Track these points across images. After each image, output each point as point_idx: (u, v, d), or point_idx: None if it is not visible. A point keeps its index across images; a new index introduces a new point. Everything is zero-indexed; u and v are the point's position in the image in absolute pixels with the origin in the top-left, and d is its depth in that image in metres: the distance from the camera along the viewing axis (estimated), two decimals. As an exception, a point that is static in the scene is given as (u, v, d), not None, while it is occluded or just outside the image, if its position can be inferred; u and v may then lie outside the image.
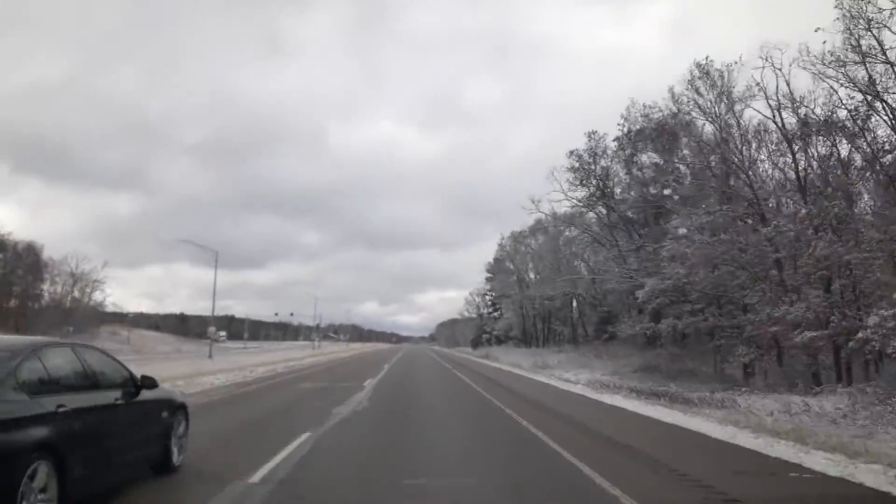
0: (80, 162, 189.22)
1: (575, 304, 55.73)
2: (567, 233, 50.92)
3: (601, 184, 40.01)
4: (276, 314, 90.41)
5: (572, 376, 27.20)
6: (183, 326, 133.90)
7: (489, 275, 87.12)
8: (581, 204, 41.96)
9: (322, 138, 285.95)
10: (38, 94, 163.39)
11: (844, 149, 19.95)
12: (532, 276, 66.92)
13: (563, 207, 44.15)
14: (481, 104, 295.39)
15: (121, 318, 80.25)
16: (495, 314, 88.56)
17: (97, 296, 63.11)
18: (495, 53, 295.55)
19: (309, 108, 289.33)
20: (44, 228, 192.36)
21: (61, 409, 4.68)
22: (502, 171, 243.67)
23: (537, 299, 59.86)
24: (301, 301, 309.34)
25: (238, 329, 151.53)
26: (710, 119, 25.10)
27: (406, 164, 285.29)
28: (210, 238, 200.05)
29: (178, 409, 7.15)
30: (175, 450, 6.81)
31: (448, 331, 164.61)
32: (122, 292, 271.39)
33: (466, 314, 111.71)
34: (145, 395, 6.24)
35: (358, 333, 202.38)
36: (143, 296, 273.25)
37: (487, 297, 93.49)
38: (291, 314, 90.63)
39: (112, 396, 5.66)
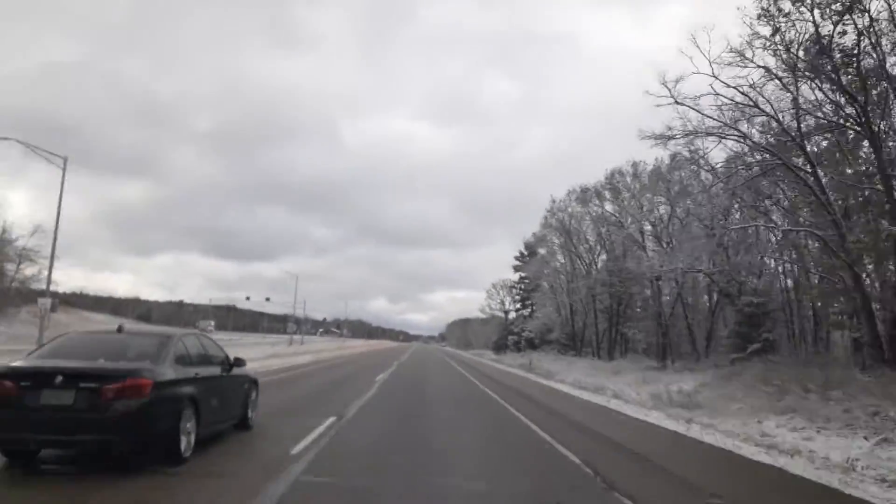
0: (91, 147, 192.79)
1: (707, 297, 34.30)
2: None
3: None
4: (268, 299, 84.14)
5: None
6: (179, 313, 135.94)
7: (519, 262, 71.68)
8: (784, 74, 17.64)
9: (335, 131, 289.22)
10: (49, 78, 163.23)
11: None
12: (594, 256, 46.98)
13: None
14: (495, 102, 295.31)
15: (75, 299, 76.48)
16: (525, 311, 72.67)
17: (30, 270, 48.91)
18: (510, 51, 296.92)
19: (322, 101, 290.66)
20: (54, 213, 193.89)
21: (197, 376, 7.29)
22: (515, 172, 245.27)
23: (599, 288, 42.48)
24: (311, 295, 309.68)
25: (239, 321, 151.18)
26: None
27: (419, 161, 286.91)
28: (220, 227, 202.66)
29: (253, 382, 9.78)
30: (250, 412, 9.42)
31: (460, 330, 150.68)
32: (135, 279, 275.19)
33: (488, 311, 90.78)
34: (235, 370, 8.83)
35: (366, 329, 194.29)
36: (155, 285, 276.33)
37: (516, 291, 76.68)
38: (267, 299, 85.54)
39: (218, 370, 8.23)
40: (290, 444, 8.03)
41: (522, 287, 73.21)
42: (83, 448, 6.26)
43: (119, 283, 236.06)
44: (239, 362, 8.97)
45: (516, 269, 74.27)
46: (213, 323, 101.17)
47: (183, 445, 6.63)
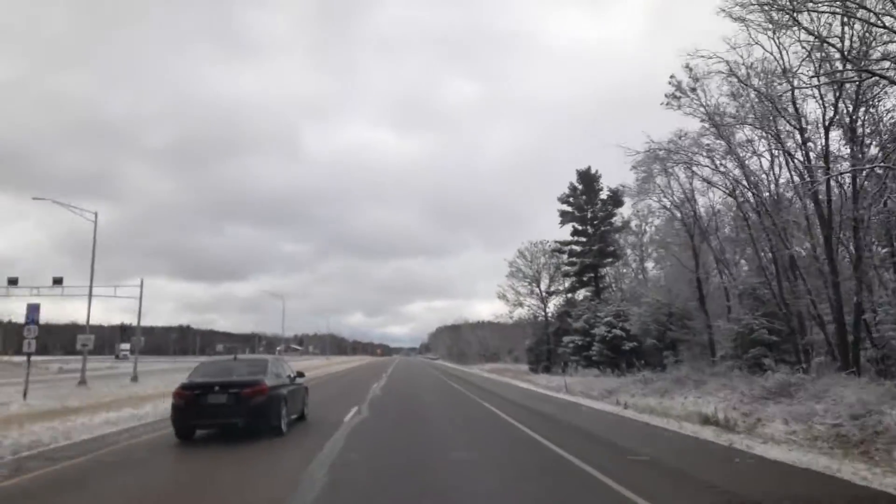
0: (42, 171, 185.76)
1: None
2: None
3: None
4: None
5: None
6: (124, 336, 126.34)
7: (571, 203, 43.98)
8: None
9: (296, 142, 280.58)
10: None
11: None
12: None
13: None
14: (457, 104, 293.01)
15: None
16: (579, 294, 44.95)
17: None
18: (468, 51, 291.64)
19: (279, 110, 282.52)
20: (12, 242, 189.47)
21: (284, 383, 11.86)
22: (483, 174, 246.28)
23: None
24: (287, 313, 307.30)
25: (192, 342, 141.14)
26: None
27: (384, 169, 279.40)
28: (187, 250, 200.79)
29: (306, 389, 14.32)
30: (306, 410, 13.93)
31: (450, 338, 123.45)
32: (105, 306, 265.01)
33: (511, 297, 54.74)
34: (298, 380, 13.39)
35: (338, 344, 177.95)
36: (125, 311, 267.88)
37: (565, 261, 46.50)
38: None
39: (289, 379, 12.80)
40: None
41: (587, 251, 42.61)
42: (233, 428, 10.75)
43: (86, 312, 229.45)
44: (301, 375, 13.58)
45: (568, 217, 44.27)
46: (127, 346, 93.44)
47: (283, 425, 11.20)
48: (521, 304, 53.76)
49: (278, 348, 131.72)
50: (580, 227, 44.88)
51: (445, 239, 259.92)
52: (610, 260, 42.27)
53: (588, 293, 43.80)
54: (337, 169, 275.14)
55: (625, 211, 39.73)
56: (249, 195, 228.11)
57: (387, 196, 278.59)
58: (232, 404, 10.43)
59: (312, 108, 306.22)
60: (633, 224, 36.83)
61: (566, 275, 47.58)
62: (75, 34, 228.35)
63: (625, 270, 41.57)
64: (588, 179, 44.79)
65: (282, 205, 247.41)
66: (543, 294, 51.86)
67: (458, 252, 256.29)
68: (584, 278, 44.73)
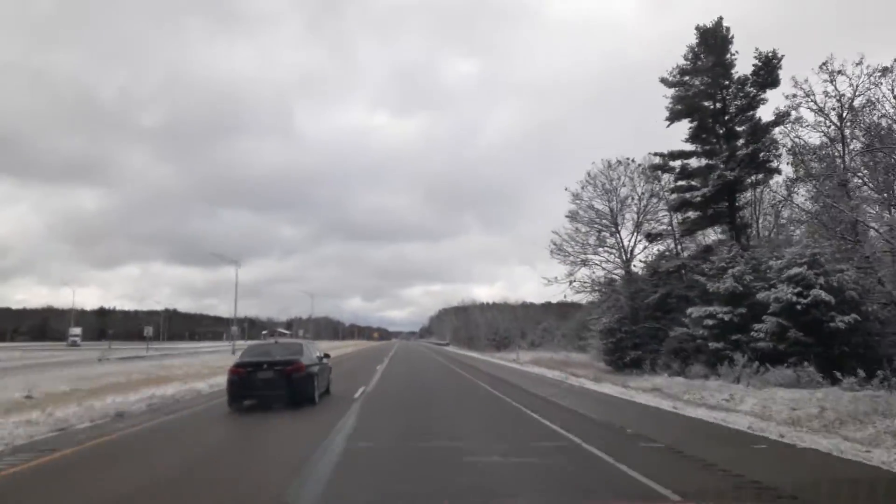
0: (34, 155, 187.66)
1: None
2: None
3: None
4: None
5: None
6: (101, 321, 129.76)
7: (680, 90, 26.76)
8: None
9: (290, 124, 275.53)
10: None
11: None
12: None
13: None
14: (455, 83, 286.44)
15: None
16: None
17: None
18: (467, 27, 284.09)
19: (274, 90, 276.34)
20: (8, 227, 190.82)
21: (315, 362, 14.53)
22: (480, 157, 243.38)
23: None
24: (286, 298, 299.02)
25: (178, 326, 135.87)
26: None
27: (382, 151, 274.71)
28: (183, 234, 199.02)
29: (330, 368, 16.95)
30: (330, 386, 16.56)
31: (460, 321, 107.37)
32: (103, 293, 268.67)
33: (562, 267, 46.14)
34: (325, 360, 16.04)
35: (332, 328, 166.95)
36: (124, 297, 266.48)
37: (685, 195, 27.38)
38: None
39: (318, 360, 15.41)
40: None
41: (717, 165, 25.43)
42: (277, 398, 13.35)
43: (86, 298, 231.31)
44: (326, 356, 16.21)
45: (684, 109, 27.10)
46: (79, 331, 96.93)
47: (316, 395, 13.87)
48: (585, 263, 32.81)
49: (263, 332, 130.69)
50: (708, 125, 27.01)
51: (443, 222, 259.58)
52: (759, 177, 26.12)
53: (723, 234, 27.60)
54: (332, 151, 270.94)
55: (777, 96, 25.73)
56: (245, 178, 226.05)
57: (384, 178, 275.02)
58: (277, 379, 13.05)
59: (307, 88, 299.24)
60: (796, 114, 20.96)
61: (678, 208, 28.77)
62: (65, 13, 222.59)
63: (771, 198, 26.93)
64: (716, 44, 26.18)
65: (277, 188, 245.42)
66: (628, 246, 32.30)
67: (456, 235, 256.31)
68: (712, 211, 27.00)
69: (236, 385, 13.25)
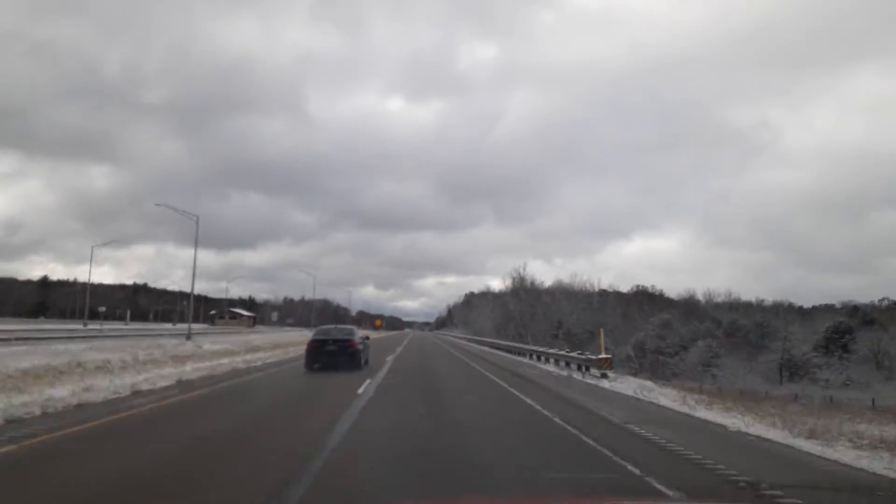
0: (41, 130, 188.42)
1: None
2: None
3: None
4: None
5: None
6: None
7: None
8: None
9: (303, 106, 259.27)
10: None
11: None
12: None
13: None
14: (473, 70, 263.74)
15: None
16: None
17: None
18: (486, 9, 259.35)
19: (286, 70, 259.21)
20: (21, 203, 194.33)
21: (361, 340, 22.45)
22: (497, 146, 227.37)
23: None
24: (297, 283, 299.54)
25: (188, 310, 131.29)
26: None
27: (396, 138, 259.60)
28: (195, 215, 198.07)
29: (368, 346, 24.70)
30: (369, 359, 24.31)
31: (490, 308, 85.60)
32: (117, 272, 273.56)
33: None
34: (366, 341, 23.88)
35: (332, 313, 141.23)
36: (137, 277, 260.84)
37: None
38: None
39: (362, 339, 23.22)
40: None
41: None
42: (341, 364, 20.97)
43: (101, 277, 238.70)
44: (367, 338, 24.09)
45: None
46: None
47: (362, 362, 21.79)
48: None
49: (211, 312, 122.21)
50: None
51: (458, 212, 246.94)
52: None
53: None
54: (345, 136, 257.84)
55: None
56: (256, 161, 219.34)
57: (397, 165, 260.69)
58: (340, 350, 20.78)
59: (320, 70, 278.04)
60: None
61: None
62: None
63: None
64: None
65: (290, 172, 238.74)
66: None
67: (470, 226, 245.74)
68: None
69: (311, 353, 21.02)
